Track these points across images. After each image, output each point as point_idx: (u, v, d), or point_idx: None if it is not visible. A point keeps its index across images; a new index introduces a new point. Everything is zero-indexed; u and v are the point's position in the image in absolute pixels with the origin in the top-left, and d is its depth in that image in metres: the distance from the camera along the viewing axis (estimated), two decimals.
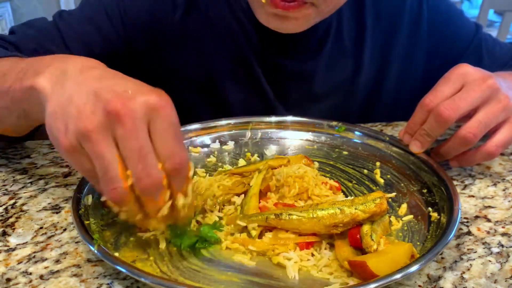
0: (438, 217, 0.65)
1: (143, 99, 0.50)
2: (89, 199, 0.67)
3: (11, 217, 0.68)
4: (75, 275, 0.56)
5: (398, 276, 0.50)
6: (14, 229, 0.65)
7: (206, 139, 0.89)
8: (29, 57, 0.73)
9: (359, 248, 0.58)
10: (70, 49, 0.91)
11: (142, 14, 0.96)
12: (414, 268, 0.52)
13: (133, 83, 0.53)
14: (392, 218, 0.66)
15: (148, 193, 0.51)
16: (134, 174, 0.50)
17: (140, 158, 0.49)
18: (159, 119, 0.50)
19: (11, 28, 0.94)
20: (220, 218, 0.66)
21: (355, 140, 0.89)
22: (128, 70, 0.68)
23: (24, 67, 0.65)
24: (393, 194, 0.73)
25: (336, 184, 0.73)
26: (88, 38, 0.93)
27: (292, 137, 0.91)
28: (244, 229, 0.63)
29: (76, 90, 0.52)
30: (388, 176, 0.79)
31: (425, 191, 0.73)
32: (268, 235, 0.61)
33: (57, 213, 0.69)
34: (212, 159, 0.85)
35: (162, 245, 0.60)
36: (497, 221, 0.68)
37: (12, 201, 0.72)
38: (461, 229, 0.66)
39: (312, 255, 0.59)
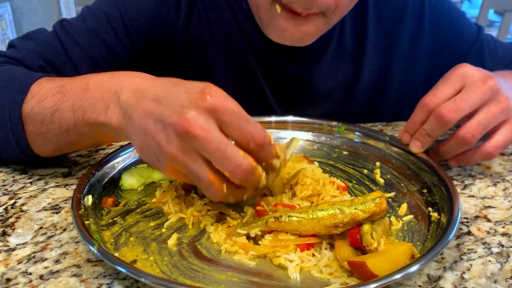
0: (438, 217, 0.65)
1: (199, 107, 0.55)
2: (89, 199, 0.67)
3: (11, 217, 0.68)
4: (75, 275, 0.56)
5: (398, 276, 0.50)
6: (14, 229, 0.65)
7: None
8: (60, 80, 0.72)
9: (359, 248, 0.58)
10: (75, 65, 0.89)
11: (147, 24, 0.93)
12: (414, 268, 0.52)
13: (182, 90, 0.58)
14: (392, 218, 0.66)
15: (245, 179, 0.57)
16: (225, 170, 0.56)
17: (222, 155, 0.55)
18: (222, 116, 0.56)
19: (11, 42, 0.91)
20: None
21: (355, 140, 0.89)
22: None
23: (75, 102, 0.68)
24: (393, 194, 0.73)
25: (343, 184, 0.72)
26: (93, 52, 0.91)
27: (292, 137, 0.91)
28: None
29: (143, 124, 0.59)
30: (388, 176, 0.79)
31: (425, 191, 0.73)
32: (268, 237, 0.61)
33: (57, 213, 0.69)
34: None
35: (170, 242, 0.62)
36: (497, 221, 0.68)
37: (12, 201, 0.72)
38: (461, 229, 0.66)
39: (313, 255, 0.59)
